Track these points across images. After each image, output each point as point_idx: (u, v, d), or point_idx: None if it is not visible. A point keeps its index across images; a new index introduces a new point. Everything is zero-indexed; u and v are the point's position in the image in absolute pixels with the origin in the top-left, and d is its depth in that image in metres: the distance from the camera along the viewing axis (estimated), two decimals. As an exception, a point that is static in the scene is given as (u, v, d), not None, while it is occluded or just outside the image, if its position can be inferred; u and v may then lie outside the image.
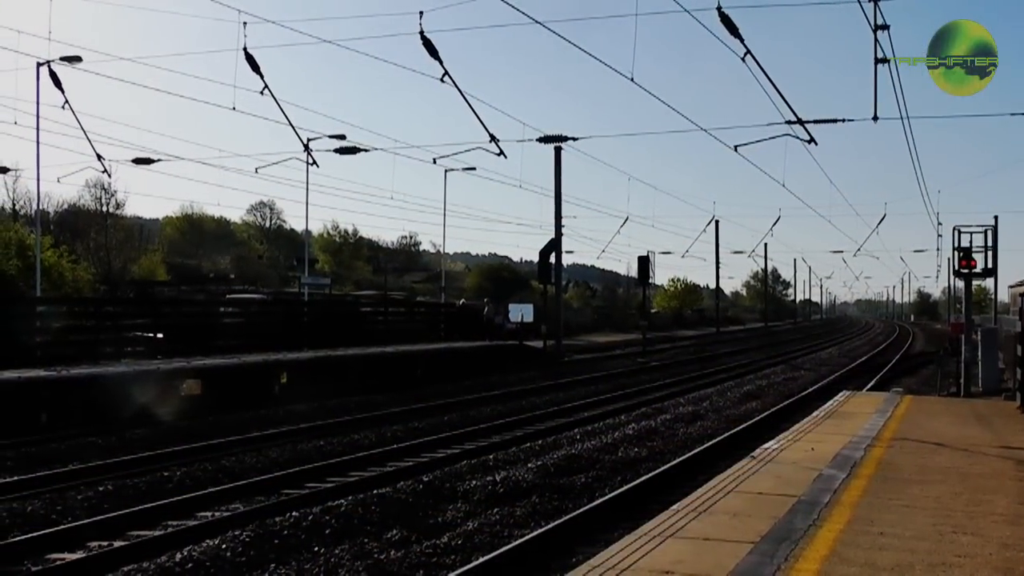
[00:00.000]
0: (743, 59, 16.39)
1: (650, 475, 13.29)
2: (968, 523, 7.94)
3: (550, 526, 10.28)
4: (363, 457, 15.22)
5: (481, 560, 8.94)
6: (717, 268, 76.36)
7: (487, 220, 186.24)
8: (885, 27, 17.42)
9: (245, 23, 18.98)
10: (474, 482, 13.02)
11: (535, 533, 9.97)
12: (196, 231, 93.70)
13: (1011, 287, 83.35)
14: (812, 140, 20.09)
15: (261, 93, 19.66)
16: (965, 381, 22.20)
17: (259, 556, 9.46)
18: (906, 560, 6.70)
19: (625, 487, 12.51)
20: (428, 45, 17.88)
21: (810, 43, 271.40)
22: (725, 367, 37.80)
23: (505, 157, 22.64)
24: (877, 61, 17.79)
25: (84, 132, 21.05)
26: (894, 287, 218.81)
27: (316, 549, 9.71)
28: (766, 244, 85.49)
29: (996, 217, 46.34)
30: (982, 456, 11.78)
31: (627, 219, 49.39)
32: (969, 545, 7.18)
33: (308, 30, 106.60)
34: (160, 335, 25.43)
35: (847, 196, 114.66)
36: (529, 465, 14.29)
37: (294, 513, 10.86)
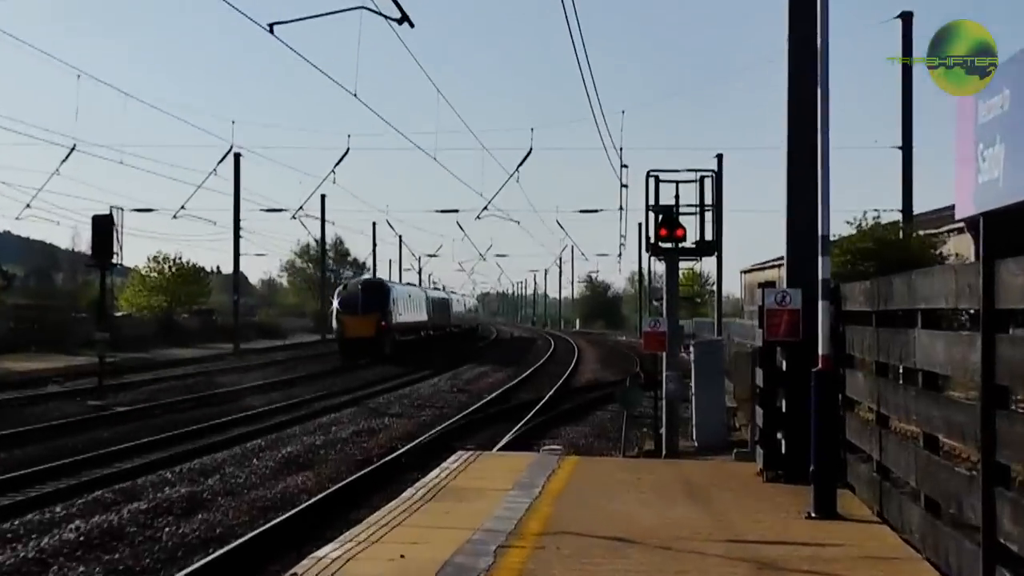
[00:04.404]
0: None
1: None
2: None
3: None
4: None
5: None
6: (237, 248, 48.60)
7: None
8: None
9: None
10: None
11: None
12: None
13: (745, 272, 59.31)
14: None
15: None
16: (669, 430, 16.09)
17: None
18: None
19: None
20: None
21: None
22: (252, 412, 23.69)
23: None
24: None
25: None
26: (545, 272, 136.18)
27: None
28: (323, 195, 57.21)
29: (720, 156, 33.02)
30: (699, 559, 7.17)
31: (75, 146, 32.52)
32: None
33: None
34: None
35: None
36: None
37: None
